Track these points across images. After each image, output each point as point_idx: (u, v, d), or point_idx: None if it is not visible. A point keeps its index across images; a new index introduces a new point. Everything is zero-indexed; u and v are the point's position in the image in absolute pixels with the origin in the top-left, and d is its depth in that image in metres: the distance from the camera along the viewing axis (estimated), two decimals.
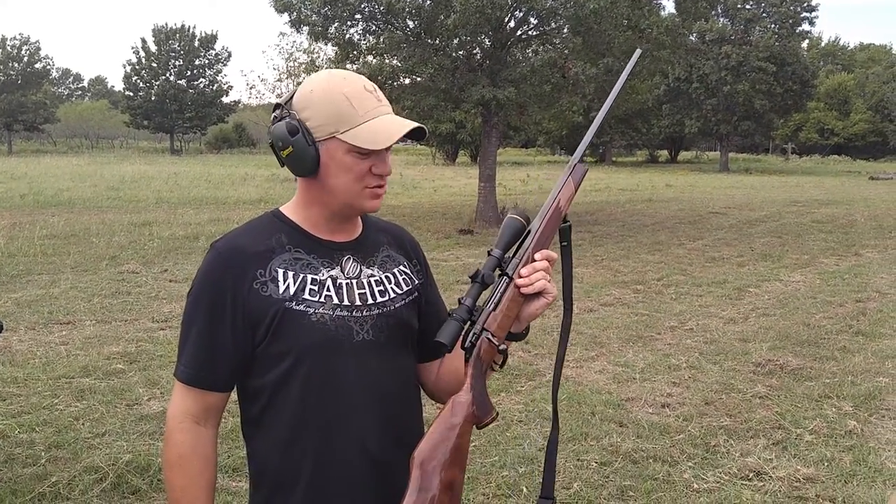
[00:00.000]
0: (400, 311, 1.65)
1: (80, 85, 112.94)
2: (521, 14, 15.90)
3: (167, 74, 63.60)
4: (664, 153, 61.83)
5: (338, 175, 1.55)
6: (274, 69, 67.23)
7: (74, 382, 5.62)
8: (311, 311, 1.55)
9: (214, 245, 1.60)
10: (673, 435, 4.87)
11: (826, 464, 4.45)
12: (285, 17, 16.23)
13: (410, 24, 15.84)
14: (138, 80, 63.93)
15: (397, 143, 1.54)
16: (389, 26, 15.87)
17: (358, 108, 1.52)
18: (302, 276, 1.57)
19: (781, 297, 9.20)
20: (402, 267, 1.72)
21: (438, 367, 1.77)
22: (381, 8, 14.79)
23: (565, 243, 1.66)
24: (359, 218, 1.69)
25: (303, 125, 1.52)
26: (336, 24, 15.79)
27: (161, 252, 11.71)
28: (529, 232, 1.61)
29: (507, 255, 1.61)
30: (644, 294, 9.26)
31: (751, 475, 4.30)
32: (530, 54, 16.89)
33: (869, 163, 58.35)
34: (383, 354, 1.60)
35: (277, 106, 1.58)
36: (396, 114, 1.59)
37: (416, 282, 1.74)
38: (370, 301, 1.61)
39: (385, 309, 1.63)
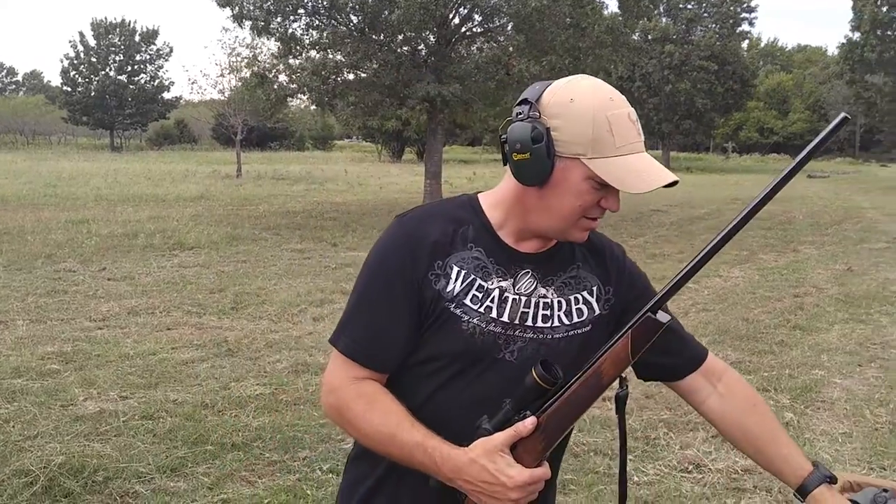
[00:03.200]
0: (558, 343, 1.48)
1: (14, 79, 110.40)
2: (465, 11, 15.97)
3: (107, 69, 62.42)
4: None
5: (563, 198, 1.39)
6: (216, 64, 66.33)
7: (5, 384, 5.44)
8: (466, 318, 1.43)
9: (402, 221, 1.48)
10: (614, 428, 4.90)
11: None
12: (227, 11, 16.02)
13: (354, 19, 15.78)
14: (76, 75, 62.66)
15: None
16: (333, 21, 15.79)
17: (616, 138, 1.36)
18: (472, 278, 1.44)
19: (721, 292, 9.35)
20: (585, 294, 1.53)
21: (714, 384, 1.65)
22: (325, 3, 14.71)
23: (619, 416, 1.43)
24: None
25: (549, 134, 1.35)
26: (279, 19, 15.65)
27: (99, 250, 11.43)
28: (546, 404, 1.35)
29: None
30: None
31: (690, 467, 4.35)
32: (475, 51, 16.94)
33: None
34: (521, 381, 1.40)
35: (524, 101, 1.39)
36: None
37: (597, 312, 1.54)
38: (528, 322, 1.46)
39: (541, 335, 1.47)
